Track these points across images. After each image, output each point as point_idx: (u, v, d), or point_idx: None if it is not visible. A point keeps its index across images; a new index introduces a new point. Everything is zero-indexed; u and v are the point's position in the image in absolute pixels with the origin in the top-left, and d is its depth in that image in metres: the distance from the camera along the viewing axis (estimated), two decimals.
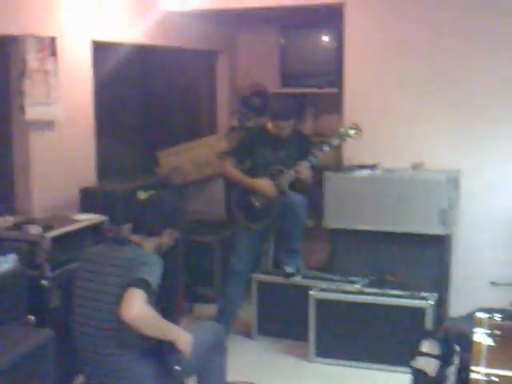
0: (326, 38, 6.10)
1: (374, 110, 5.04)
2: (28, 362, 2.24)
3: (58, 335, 2.78)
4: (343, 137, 4.60)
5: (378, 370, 4.24)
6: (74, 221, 3.94)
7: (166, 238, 3.09)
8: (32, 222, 3.83)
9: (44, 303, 3.44)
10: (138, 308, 2.63)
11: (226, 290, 4.73)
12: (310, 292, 4.42)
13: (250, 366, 4.32)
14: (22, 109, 4.11)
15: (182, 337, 2.84)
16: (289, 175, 4.54)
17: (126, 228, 3.35)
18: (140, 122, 5.94)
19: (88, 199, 4.42)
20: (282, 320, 4.71)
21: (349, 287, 4.47)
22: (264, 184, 4.53)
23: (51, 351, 2.34)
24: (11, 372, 2.13)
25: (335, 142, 4.60)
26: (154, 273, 2.78)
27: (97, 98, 4.80)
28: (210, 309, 4.95)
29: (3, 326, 2.88)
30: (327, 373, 4.28)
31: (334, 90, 5.84)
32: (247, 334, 4.82)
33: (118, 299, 2.67)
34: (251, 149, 4.65)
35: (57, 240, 3.64)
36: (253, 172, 4.63)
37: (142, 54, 5.61)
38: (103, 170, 4.95)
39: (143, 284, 2.69)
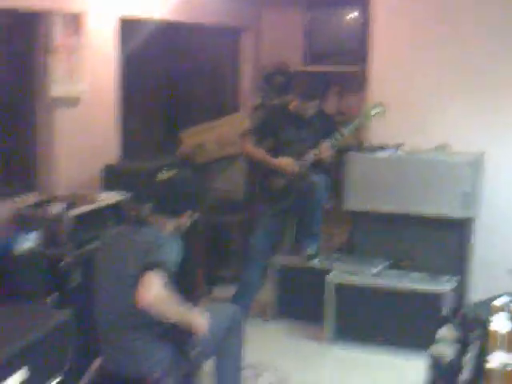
0: (351, 16, 6.02)
1: (399, 90, 4.98)
2: (48, 342, 2.27)
3: (78, 315, 2.82)
4: (367, 116, 4.56)
5: (395, 354, 4.24)
6: (96, 199, 3.95)
7: (187, 219, 3.10)
8: (55, 199, 3.85)
9: (65, 282, 3.47)
10: (154, 293, 2.64)
11: (245, 271, 4.74)
12: (328, 275, 4.41)
13: (268, 349, 4.34)
14: (46, 85, 4.12)
15: (199, 320, 2.86)
16: (311, 155, 4.52)
17: (148, 207, 3.37)
18: (164, 100, 5.93)
19: (111, 177, 4.43)
20: (301, 303, 4.70)
21: (368, 270, 4.46)
22: (285, 162, 4.50)
23: (71, 331, 2.38)
24: (31, 351, 2.16)
25: (359, 121, 4.56)
26: (172, 255, 2.79)
27: (121, 76, 4.80)
28: (229, 290, 4.97)
29: (24, 305, 2.93)
30: (344, 356, 4.29)
31: (359, 69, 5.78)
32: (265, 316, 4.83)
33: (136, 282, 2.69)
34: (274, 128, 4.64)
35: (78, 219, 3.66)
36: (274, 151, 4.61)
37: (167, 32, 5.58)
38: (127, 148, 4.96)
39: (161, 267, 2.70)
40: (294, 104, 4.59)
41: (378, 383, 3.93)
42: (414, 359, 4.07)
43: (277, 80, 6.31)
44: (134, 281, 2.70)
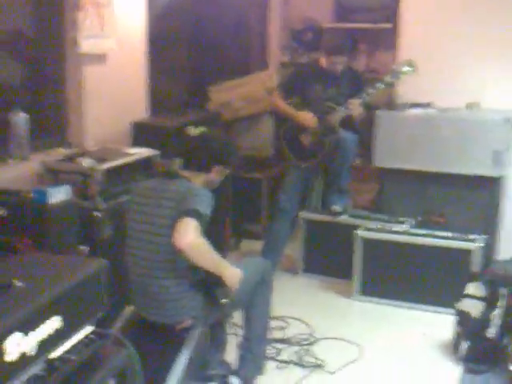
0: None
1: (430, 47, 4.91)
2: (82, 290, 2.30)
3: (109, 266, 2.86)
4: (397, 74, 4.50)
5: (422, 310, 4.26)
6: (126, 154, 3.97)
7: (216, 175, 3.11)
8: (85, 154, 3.89)
9: (96, 234, 3.52)
10: (191, 235, 2.68)
11: (273, 226, 4.78)
12: (357, 231, 4.42)
13: (295, 303, 4.39)
14: (75, 41, 4.12)
15: (232, 271, 2.90)
16: (340, 112, 4.49)
17: (176, 163, 3.38)
18: (191, 56, 5.91)
19: (139, 133, 4.45)
20: (328, 258, 4.73)
21: (396, 227, 4.46)
22: (305, 116, 4.50)
23: (105, 280, 2.41)
24: (66, 300, 2.20)
25: (389, 79, 4.51)
26: (205, 204, 2.82)
27: (149, 33, 4.78)
28: (257, 245, 5.02)
29: (59, 254, 2.99)
30: (371, 311, 4.32)
31: (388, 26, 5.69)
32: (293, 270, 4.88)
33: (170, 231, 2.72)
34: (302, 84, 4.61)
35: (109, 172, 3.69)
36: (302, 108, 4.59)
37: None
38: (155, 104, 4.97)
39: (196, 214, 2.73)
40: (323, 61, 4.55)
41: (405, 338, 3.95)
42: (442, 315, 4.10)
43: (306, 37, 6.25)
44: (169, 228, 2.74)
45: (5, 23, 4.00)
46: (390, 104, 4.97)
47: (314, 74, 4.58)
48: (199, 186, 3.01)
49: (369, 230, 4.44)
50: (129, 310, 3.02)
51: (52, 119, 4.31)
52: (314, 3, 6.29)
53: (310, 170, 4.71)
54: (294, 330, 3.99)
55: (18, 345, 1.93)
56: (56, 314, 2.11)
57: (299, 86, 4.62)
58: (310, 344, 3.85)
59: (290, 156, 4.68)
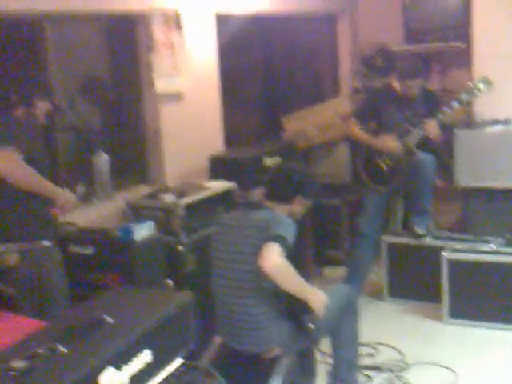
0: None
1: (506, 62, 4.80)
2: (170, 324, 2.33)
3: (195, 298, 2.89)
4: (473, 91, 4.41)
5: None
6: (205, 188, 4.04)
7: (298, 206, 3.13)
8: (166, 190, 3.98)
9: (180, 268, 3.59)
10: (276, 259, 2.70)
11: (355, 252, 4.73)
12: (443, 253, 4.32)
13: (383, 328, 4.31)
14: (151, 82, 4.25)
15: (317, 295, 2.89)
16: (416, 134, 4.43)
17: (257, 193, 3.41)
18: (264, 90, 5.98)
19: (216, 167, 4.52)
20: (413, 282, 4.63)
21: (483, 247, 4.33)
22: (389, 142, 4.46)
23: (192, 312, 2.44)
24: (155, 334, 2.23)
25: (464, 97, 4.42)
26: (289, 232, 2.83)
27: (221, 68, 4.88)
28: (340, 271, 4.97)
29: (146, 288, 3.05)
30: (462, 334, 4.19)
31: (460, 45, 5.60)
32: (378, 296, 4.80)
33: (256, 258, 2.75)
34: (376, 109, 4.59)
35: (190, 207, 3.76)
36: (379, 133, 4.57)
37: (263, 22, 5.63)
38: (230, 138, 5.04)
39: (280, 239, 2.76)
40: (396, 85, 4.52)
41: (496, 362, 3.81)
42: None
43: (377, 62, 6.22)
44: (255, 255, 2.77)
45: (83, 70, 4.17)
46: (468, 122, 4.87)
47: (388, 98, 4.55)
48: (282, 214, 3.03)
49: (455, 250, 4.33)
50: (217, 340, 3.04)
51: (132, 158, 4.45)
52: (383, 28, 6.26)
53: (388, 193, 4.66)
54: (384, 356, 3.91)
55: (112, 379, 1.97)
56: (146, 348, 2.14)
57: (374, 111, 4.60)
58: (402, 370, 3.76)
59: (368, 181, 4.64)
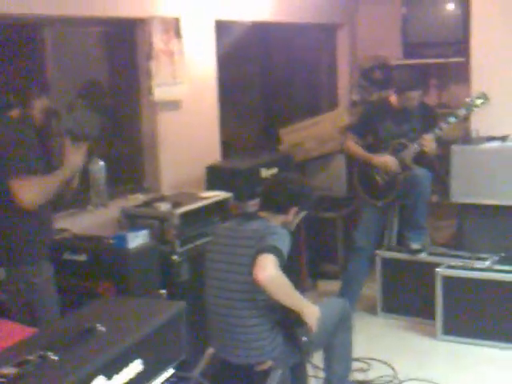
0: (449, 6, 5.89)
1: (503, 79, 4.81)
2: (162, 334, 2.31)
3: (187, 308, 2.87)
4: (470, 107, 4.42)
5: (508, 348, 4.09)
6: (201, 198, 4.03)
7: (293, 217, 3.11)
8: (161, 199, 3.96)
9: (174, 277, 3.56)
10: (270, 270, 2.68)
11: (349, 266, 4.71)
12: (438, 269, 4.30)
13: (376, 344, 4.29)
14: (149, 89, 4.24)
15: (311, 309, 2.87)
16: (413, 149, 4.44)
17: (252, 204, 3.40)
18: (261, 99, 5.99)
19: (213, 176, 4.50)
20: (407, 297, 4.62)
21: (478, 264, 4.31)
22: (386, 160, 4.46)
23: (184, 323, 2.42)
24: (147, 343, 2.21)
25: (462, 112, 4.43)
26: (284, 242, 2.82)
27: (219, 77, 4.87)
28: (334, 285, 4.95)
29: (139, 297, 3.02)
30: (455, 351, 4.17)
31: (459, 60, 5.62)
32: (371, 311, 4.78)
33: (250, 269, 2.73)
34: (373, 123, 4.59)
35: (185, 216, 3.74)
36: (375, 147, 4.57)
37: (262, 31, 5.63)
38: (227, 148, 5.03)
39: (275, 250, 2.74)
40: (393, 98, 4.52)
41: (488, 379, 3.80)
42: None
43: (375, 75, 6.24)
44: (249, 266, 2.75)
45: (82, 75, 4.16)
46: (465, 138, 4.87)
47: (385, 112, 4.56)
48: (277, 226, 3.01)
49: (450, 267, 4.32)
50: (209, 352, 3.01)
51: (128, 166, 4.43)
52: (382, 41, 6.29)
53: (385, 208, 4.65)
54: (376, 372, 3.89)
55: None
56: (137, 357, 2.12)
57: (371, 126, 4.60)
58: None
59: (364, 195, 4.63)
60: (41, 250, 2.95)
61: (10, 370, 1.87)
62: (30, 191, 2.78)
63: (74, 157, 2.99)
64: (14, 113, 2.92)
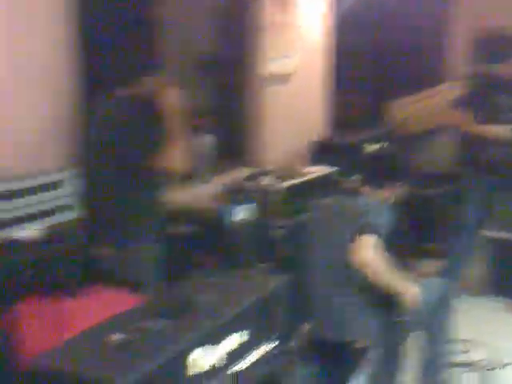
0: None
1: None
2: (266, 306, 2.37)
3: (289, 283, 2.92)
4: None
5: None
6: (305, 172, 4.05)
7: (395, 193, 3.09)
8: (265, 173, 4.01)
9: (276, 252, 3.62)
10: (368, 253, 2.70)
11: (454, 245, 4.61)
12: None
13: (478, 326, 4.19)
14: (259, 63, 4.23)
15: (410, 289, 2.86)
16: None
17: (356, 180, 3.38)
18: (372, 72, 5.89)
19: (317, 151, 4.51)
20: None
21: None
22: (500, 131, 4.29)
23: (286, 297, 2.48)
24: (249, 315, 2.28)
25: None
26: (384, 220, 2.82)
27: (329, 50, 4.81)
28: (437, 265, 4.86)
29: (243, 270, 3.10)
30: None
31: None
32: (476, 292, 4.66)
33: (349, 247, 2.75)
34: (488, 98, 4.43)
35: (289, 191, 3.78)
36: (489, 122, 4.41)
37: (374, 4, 5.52)
38: (335, 122, 5.00)
39: (373, 230, 2.75)
40: (506, 70, 4.34)
41: None
42: None
43: (492, 46, 5.97)
44: (348, 246, 2.77)
45: (193, 49, 4.20)
46: None
47: (500, 85, 4.39)
48: (378, 202, 3.00)
49: None
50: (306, 326, 3.06)
51: (235, 140, 4.49)
52: (500, 10, 5.99)
53: (495, 184, 4.49)
54: (478, 354, 3.81)
55: (207, 357, 2.04)
56: (241, 328, 2.19)
57: (485, 100, 4.44)
58: (496, 369, 3.66)
59: (475, 171, 4.50)
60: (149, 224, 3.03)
61: (118, 337, 1.98)
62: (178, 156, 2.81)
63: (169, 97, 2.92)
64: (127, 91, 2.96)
